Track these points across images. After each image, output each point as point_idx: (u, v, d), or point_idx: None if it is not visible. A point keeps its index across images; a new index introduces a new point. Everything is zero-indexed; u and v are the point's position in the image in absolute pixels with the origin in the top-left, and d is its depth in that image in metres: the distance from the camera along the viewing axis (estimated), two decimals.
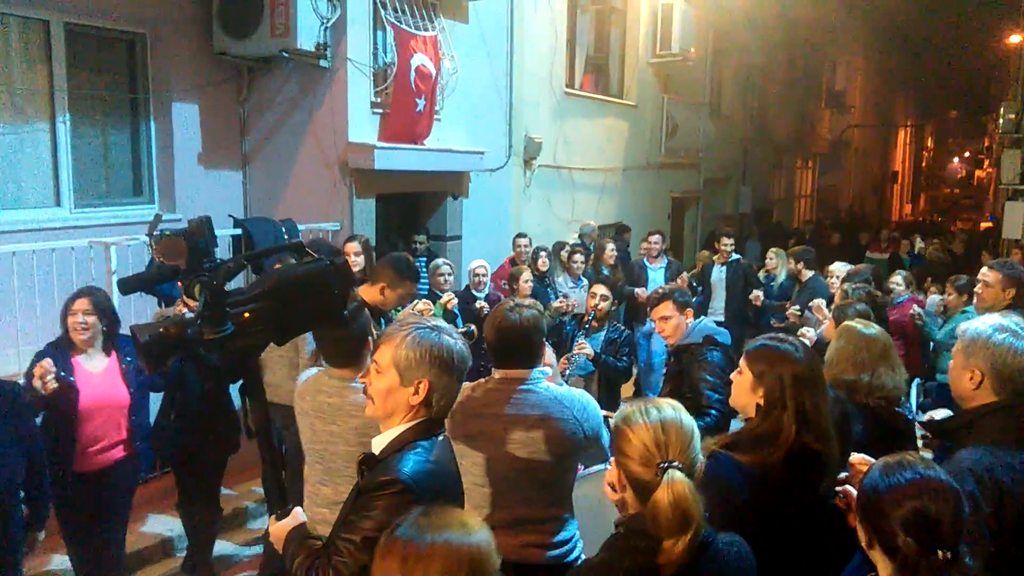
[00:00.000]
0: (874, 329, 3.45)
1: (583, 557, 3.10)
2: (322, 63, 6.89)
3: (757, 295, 8.20)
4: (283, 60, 6.85)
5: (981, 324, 2.69)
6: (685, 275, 8.51)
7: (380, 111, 7.40)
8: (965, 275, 6.71)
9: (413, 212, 8.62)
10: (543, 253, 7.84)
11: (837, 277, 6.71)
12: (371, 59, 7.30)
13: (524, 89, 9.62)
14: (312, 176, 7.28)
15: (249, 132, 7.46)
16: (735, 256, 8.81)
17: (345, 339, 3.11)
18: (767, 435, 2.50)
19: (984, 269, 5.15)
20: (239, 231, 6.40)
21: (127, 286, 2.16)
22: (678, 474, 1.94)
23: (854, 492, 2.25)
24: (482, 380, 3.09)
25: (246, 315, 2.01)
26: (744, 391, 2.64)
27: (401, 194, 8.20)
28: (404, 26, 7.28)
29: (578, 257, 8.06)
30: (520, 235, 8.27)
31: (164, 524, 5.46)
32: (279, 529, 2.33)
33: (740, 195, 18.12)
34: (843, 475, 2.43)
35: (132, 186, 6.87)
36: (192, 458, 4.80)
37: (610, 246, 8.82)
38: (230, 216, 6.65)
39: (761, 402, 2.57)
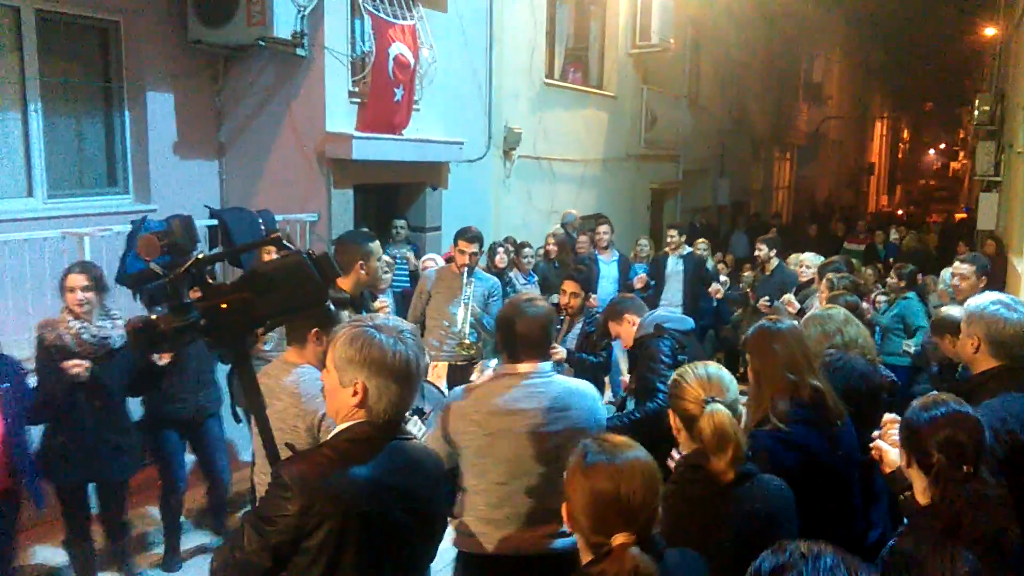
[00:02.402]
0: (834, 308, 3.96)
1: None
2: (299, 52, 6.83)
3: (717, 288, 8.31)
4: (259, 49, 6.77)
5: (981, 299, 3.18)
6: (643, 275, 8.29)
7: (358, 101, 7.34)
8: (911, 264, 7.48)
9: (392, 203, 8.57)
10: (500, 249, 7.51)
11: (807, 267, 6.94)
12: (349, 48, 7.24)
13: (504, 79, 9.59)
14: (289, 166, 7.22)
15: (225, 121, 7.38)
16: (688, 248, 8.81)
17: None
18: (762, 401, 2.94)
19: (957, 263, 5.65)
20: (215, 222, 6.34)
21: (133, 282, 2.25)
22: (719, 405, 2.45)
23: (885, 447, 2.75)
24: (497, 376, 3.07)
25: (223, 305, 2.07)
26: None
27: (379, 184, 8.16)
28: (382, 15, 7.22)
29: (527, 251, 7.80)
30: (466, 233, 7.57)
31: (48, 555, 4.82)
32: None
33: (719, 187, 18.20)
34: (876, 432, 2.85)
35: (106, 176, 6.79)
36: (84, 486, 4.44)
37: (551, 239, 8.53)
38: (206, 207, 6.58)
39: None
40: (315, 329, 3.19)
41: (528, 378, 2.98)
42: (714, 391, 2.52)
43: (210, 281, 2.11)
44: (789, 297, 6.60)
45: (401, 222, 8.03)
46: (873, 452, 2.80)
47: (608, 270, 8.35)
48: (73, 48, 6.47)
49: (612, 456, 1.96)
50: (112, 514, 4.60)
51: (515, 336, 3.01)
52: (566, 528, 2.41)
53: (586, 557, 1.98)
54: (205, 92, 7.22)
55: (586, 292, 5.90)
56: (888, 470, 2.74)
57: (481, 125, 9.26)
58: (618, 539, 1.89)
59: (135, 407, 4.76)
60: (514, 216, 9.96)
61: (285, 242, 2.30)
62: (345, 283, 4.53)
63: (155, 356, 4.12)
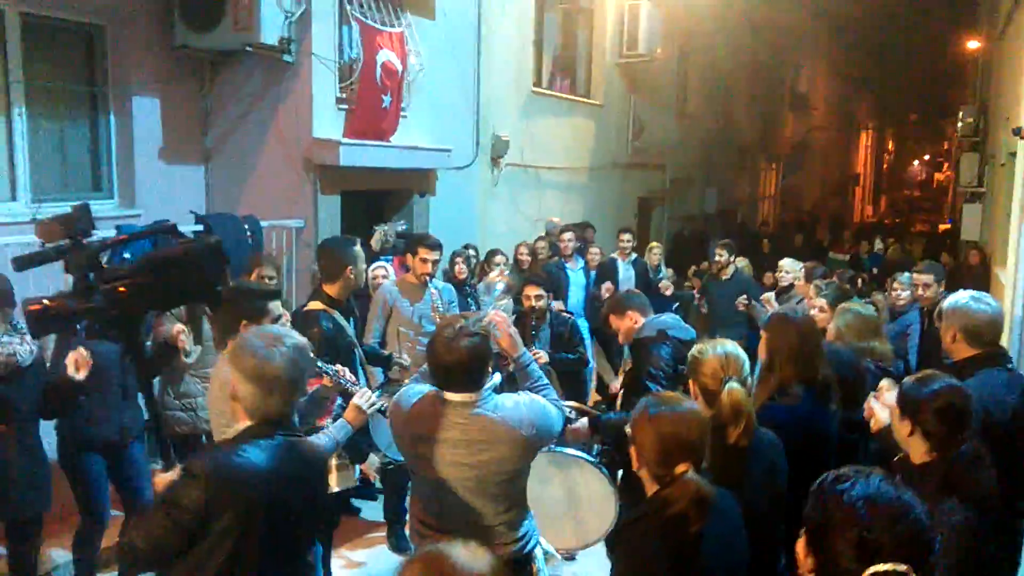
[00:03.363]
0: (868, 308, 4.47)
1: (540, 545, 3.19)
2: (286, 58, 6.81)
3: (667, 284, 8.61)
4: (246, 54, 6.76)
5: (955, 297, 3.71)
6: (610, 284, 8.15)
7: (345, 107, 7.33)
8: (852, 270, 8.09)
9: (379, 209, 8.55)
10: (459, 259, 7.31)
11: (786, 271, 7.33)
12: (336, 54, 7.23)
13: (491, 87, 9.60)
14: (276, 172, 7.19)
15: (211, 127, 7.34)
16: (634, 255, 8.96)
17: (221, 316, 3.34)
18: (778, 385, 3.39)
19: (917, 275, 6.21)
20: (201, 227, 6.30)
21: (22, 263, 2.35)
22: (735, 384, 2.87)
23: (877, 407, 3.16)
24: (428, 398, 3.00)
25: (121, 288, 2.25)
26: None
27: (367, 191, 8.13)
28: (370, 21, 7.22)
29: (499, 258, 7.51)
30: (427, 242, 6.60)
31: None
32: (161, 481, 2.58)
33: (705, 196, 18.27)
34: (872, 394, 3.27)
35: (91, 181, 6.73)
36: None
37: (523, 248, 8.34)
38: (191, 212, 6.54)
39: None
40: (244, 320, 3.29)
41: (456, 408, 2.92)
42: (731, 369, 2.92)
43: (104, 266, 2.30)
44: (769, 296, 6.79)
45: (385, 228, 7.99)
46: (866, 412, 3.24)
47: (576, 277, 8.33)
48: (58, 52, 6.42)
49: (672, 407, 2.49)
50: (23, 557, 4.10)
51: (442, 368, 2.92)
52: (509, 538, 2.85)
53: (651, 488, 2.48)
54: (191, 97, 7.18)
55: (548, 293, 5.99)
56: (876, 428, 3.16)
57: (469, 132, 9.26)
58: (680, 468, 2.40)
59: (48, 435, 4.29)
60: (501, 224, 9.96)
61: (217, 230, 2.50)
62: (332, 289, 4.53)
63: (72, 370, 3.71)
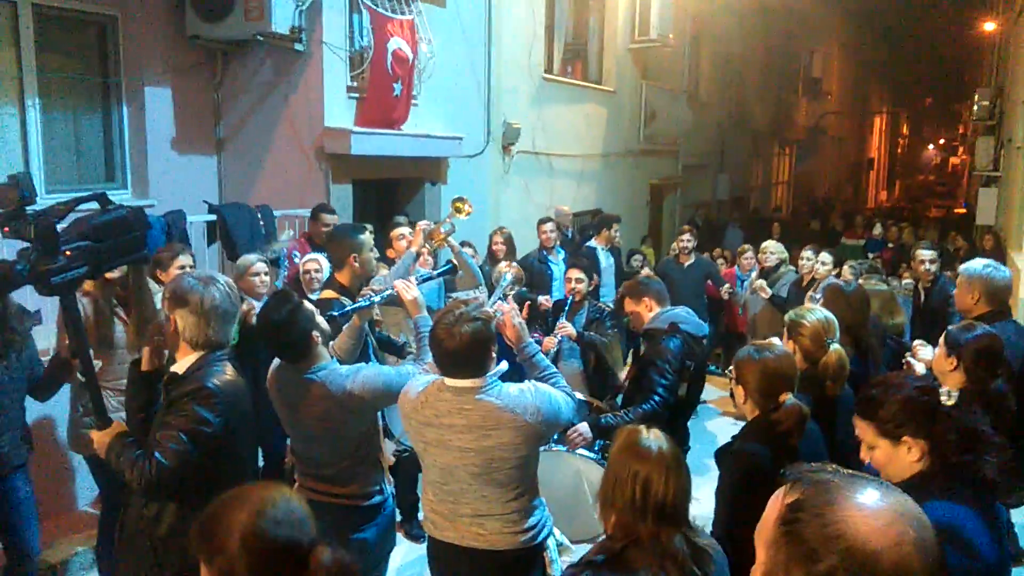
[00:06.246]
0: (882, 285, 5.03)
1: (553, 536, 3.20)
2: (297, 47, 6.81)
3: (649, 273, 8.40)
4: (258, 44, 6.77)
5: (973, 264, 4.43)
6: (597, 278, 7.28)
7: (356, 96, 7.33)
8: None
9: (391, 198, 8.56)
10: (498, 238, 7.14)
11: (771, 253, 7.48)
12: (347, 43, 7.22)
13: (502, 74, 9.57)
14: (288, 161, 7.20)
15: (223, 117, 7.36)
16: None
17: (289, 341, 3.23)
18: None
19: (920, 251, 6.45)
20: (214, 217, 6.32)
21: None
22: (838, 344, 3.55)
23: (915, 362, 3.89)
24: (433, 386, 3.01)
25: (67, 252, 2.46)
26: None
27: (378, 180, 8.14)
28: (380, 9, 7.20)
29: (469, 250, 6.86)
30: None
31: None
32: (102, 437, 2.77)
33: (718, 182, 18.19)
34: (908, 353, 4.01)
35: (104, 171, 6.77)
36: None
37: (498, 237, 7.58)
38: (204, 202, 6.57)
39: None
40: (316, 333, 3.28)
41: (460, 394, 2.93)
42: (831, 332, 3.54)
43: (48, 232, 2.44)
44: (761, 283, 6.82)
45: (402, 218, 7.98)
46: (905, 366, 3.87)
47: (558, 271, 7.44)
48: (71, 43, 6.45)
49: (771, 350, 3.07)
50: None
51: (444, 354, 2.93)
52: (520, 526, 3.00)
53: (753, 413, 3.04)
54: (203, 87, 7.20)
55: (590, 279, 5.82)
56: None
57: (480, 120, 9.24)
58: (785, 396, 2.99)
59: None
60: (512, 212, 9.95)
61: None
62: (343, 277, 4.54)
63: None
